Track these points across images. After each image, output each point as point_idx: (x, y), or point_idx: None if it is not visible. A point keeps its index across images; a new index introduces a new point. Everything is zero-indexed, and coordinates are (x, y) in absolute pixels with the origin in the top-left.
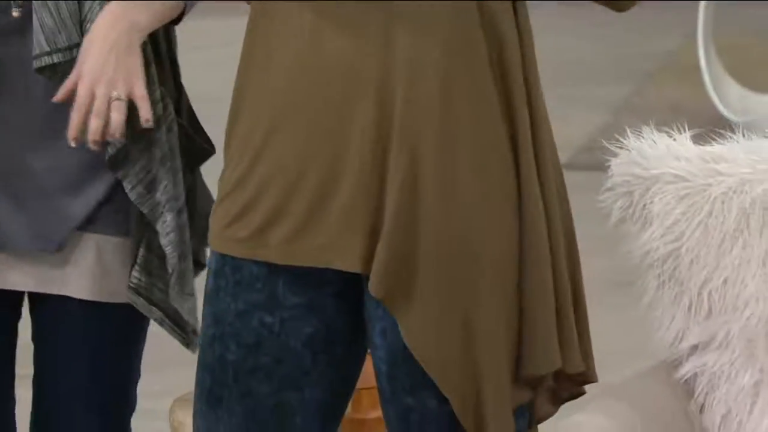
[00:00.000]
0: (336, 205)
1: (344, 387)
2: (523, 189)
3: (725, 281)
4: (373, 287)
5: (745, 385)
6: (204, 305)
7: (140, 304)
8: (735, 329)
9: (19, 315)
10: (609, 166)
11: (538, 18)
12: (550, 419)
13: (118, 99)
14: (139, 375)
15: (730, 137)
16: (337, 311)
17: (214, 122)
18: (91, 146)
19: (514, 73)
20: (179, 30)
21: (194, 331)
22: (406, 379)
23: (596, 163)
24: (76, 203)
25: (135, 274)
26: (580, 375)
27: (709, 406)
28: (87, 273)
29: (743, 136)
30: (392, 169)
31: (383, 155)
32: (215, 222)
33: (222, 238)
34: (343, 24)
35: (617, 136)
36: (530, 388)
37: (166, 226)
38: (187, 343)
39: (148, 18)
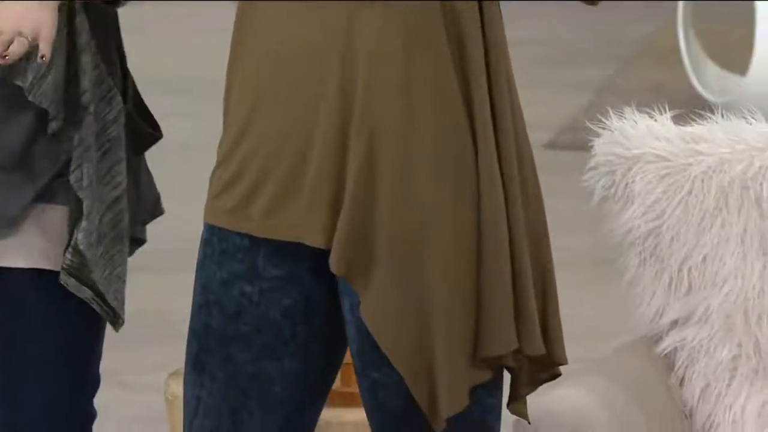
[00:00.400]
0: (306, 184)
1: (326, 361)
2: (482, 179)
3: (705, 258)
4: (333, 263)
5: (724, 359)
6: (195, 274)
7: (71, 284)
8: (714, 305)
9: None
10: (592, 146)
11: (524, 5)
12: (534, 393)
13: (22, 36)
14: (101, 354)
15: (710, 118)
16: (315, 284)
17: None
18: None
19: (474, 70)
20: (182, 14)
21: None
22: (372, 354)
23: (580, 143)
24: (27, 180)
25: (68, 255)
26: (550, 358)
27: (688, 379)
28: (32, 241)
29: (722, 116)
30: (352, 152)
31: (344, 139)
32: (209, 192)
33: (211, 209)
34: (309, 13)
35: (600, 116)
36: (490, 368)
37: (85, 208)
38: (114, 323)
39: None
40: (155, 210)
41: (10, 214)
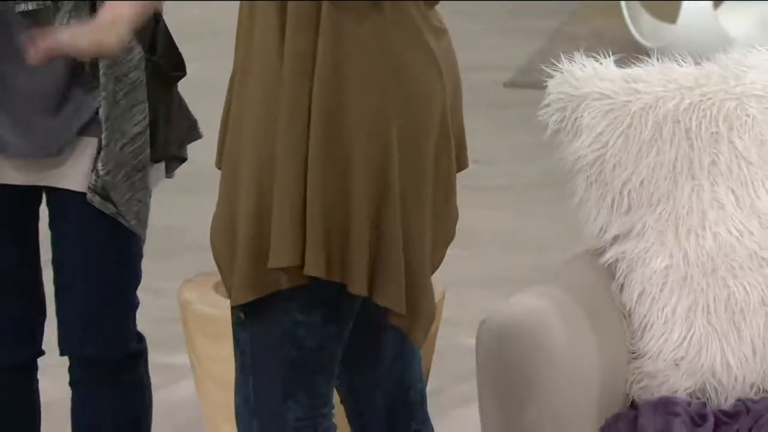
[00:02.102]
0: None
1: None
2: (282, 116)
3: (642, 182)
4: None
5: (657, 268)
6: None
7: (96, 201)
8: (649, 222)
9: (38, 205)
10: (546, 86)
11: None
12: (497, 297)
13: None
14: (141, 254)
15: (646, 61)
16: None
17: None
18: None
19: (300, 60)
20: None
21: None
22: None
23: (535, 83)
24: (71, 117)
25: (92, 177)
26: (377, 298)
27: (627, 286)
28: (83, 169)
29: (657, 60)
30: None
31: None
32: None
33: None
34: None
35: (553, 60)
36: (274, 278)
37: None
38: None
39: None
40: (191, 134)
41: (59, 145)
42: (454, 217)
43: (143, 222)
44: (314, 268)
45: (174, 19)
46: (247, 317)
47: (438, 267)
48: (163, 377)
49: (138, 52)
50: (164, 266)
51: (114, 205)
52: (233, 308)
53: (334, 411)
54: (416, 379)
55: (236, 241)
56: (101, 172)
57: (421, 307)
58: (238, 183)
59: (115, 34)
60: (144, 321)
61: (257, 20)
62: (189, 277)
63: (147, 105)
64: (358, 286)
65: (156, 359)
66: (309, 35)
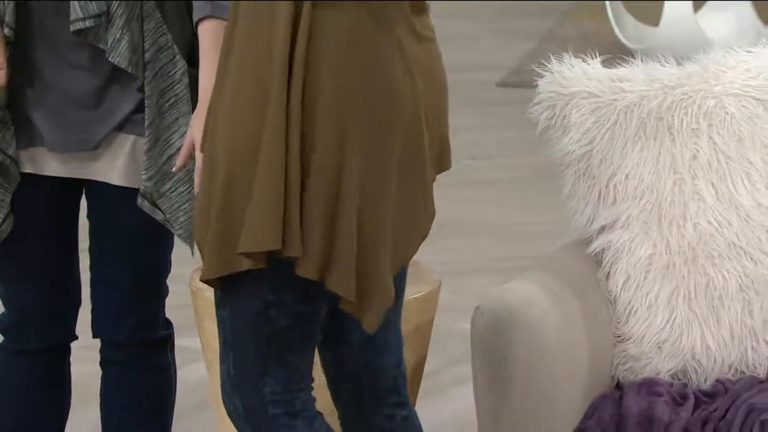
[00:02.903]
0: None
1: None
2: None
3: (627, 176)
4: None
5: (641, 257)
6: None
7: (146, 206)
8: (634, 213)
9: (79, 195)
10: (536, 85)
11: None
12: (491, 284)
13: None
14: (172, 245)
15: (631, 62)
16: None
17: None
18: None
19: (276, 58)
20: None
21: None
22: None
23: (526, 82)
24: (108, 114)
25: (143, 180)
26: (328, 283)
27: (613, 273)
28: (120, 164)
29: (641, 61)
30: None
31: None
32: None
33: None
34: None
35: (543, 60)
36: (249, 260)
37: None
38: (188, 242)
39: None
40: None
41: (95, 140)
42: (428, 215)
43: (188, 232)
44: (292, 249)
45: None
46: (225, 295)
47: (408, 261)
48: (177, 359)
49: (181, 66)
50: (177, 253)
51: (162, 212)
52: (214, 286)
53: (313, 384)
54: (389, 365)
55: (209, 220)
56: (144, 177)
57: (372, 295)
58: (214, 160)
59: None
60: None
61: (240, 9)
62: (199, 264)
63: (191, 117)
64: (306, 270)
65: None
66: (287, 28)
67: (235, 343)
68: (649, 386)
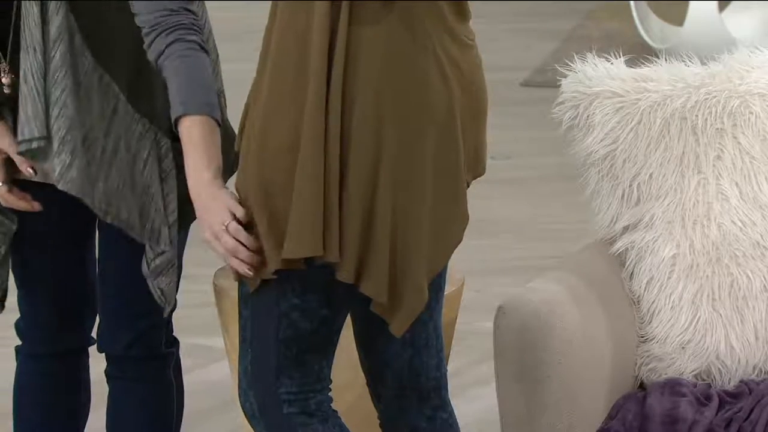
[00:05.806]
0: None
1: None
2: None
3: (651, 176)
4: None
5: (665, 257)
6: None
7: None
8: (658, 213)
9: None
10: (560, 85)
11: None
12: (513, 284)
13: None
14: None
15: (655, 61)
16: None
17: None
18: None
19: (315, 56)
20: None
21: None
22: None
23: (550, 82)
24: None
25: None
26: (360, 286)
27: (636, 273)
28: None
29: (665, 60)
30: None
31: None
32: None
33: None
34: None
35: (567, 60)
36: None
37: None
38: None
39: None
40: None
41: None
42: (461, 220)
43: (168, 296)
44: (331, 254)
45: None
46: (249, 295)
47: (439, 269)
48: (202, 358)
49: (163, 144)
50: (198, 252)
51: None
52: (240, 284)
53: (331, 386)
54: (429, 367)
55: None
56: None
57: (403, 299)
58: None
59: None
60: (181, 305)
61: (278, 16)
62: (221, 264)
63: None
64: (345, 274)
65: (194, 341)
66: (326, 34)
67: (255, 342)
68: (672, 386)
